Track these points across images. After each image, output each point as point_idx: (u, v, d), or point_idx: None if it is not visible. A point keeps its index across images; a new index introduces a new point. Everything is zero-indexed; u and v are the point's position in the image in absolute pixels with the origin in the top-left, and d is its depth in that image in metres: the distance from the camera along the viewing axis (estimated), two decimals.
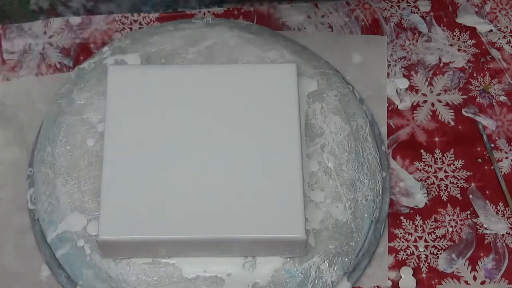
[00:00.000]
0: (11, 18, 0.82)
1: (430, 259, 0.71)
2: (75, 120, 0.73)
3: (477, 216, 0.73)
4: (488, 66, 0.80)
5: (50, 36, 0.81)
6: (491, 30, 0.82)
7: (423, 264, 0.71)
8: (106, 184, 0.65)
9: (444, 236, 0.72)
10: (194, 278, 0.67)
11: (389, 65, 0.80)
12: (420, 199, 0.73)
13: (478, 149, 0.76)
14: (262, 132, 0.68)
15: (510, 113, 0.78)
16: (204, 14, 0.82)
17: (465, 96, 0.79)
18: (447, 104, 0.78)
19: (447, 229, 0.72)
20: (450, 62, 0.80)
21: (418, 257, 0.71)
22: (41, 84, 0.78)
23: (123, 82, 0.70)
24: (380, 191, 0.71)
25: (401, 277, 0.70)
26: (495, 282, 0.70)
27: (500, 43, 0.81)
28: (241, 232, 0.64)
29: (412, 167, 0.75)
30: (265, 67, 0.72)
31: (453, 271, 0.70)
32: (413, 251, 0.71)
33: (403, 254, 0.71)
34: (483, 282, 0.70)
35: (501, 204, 0.73)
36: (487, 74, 0.80)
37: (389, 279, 0.70)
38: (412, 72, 0.80)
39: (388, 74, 0.79)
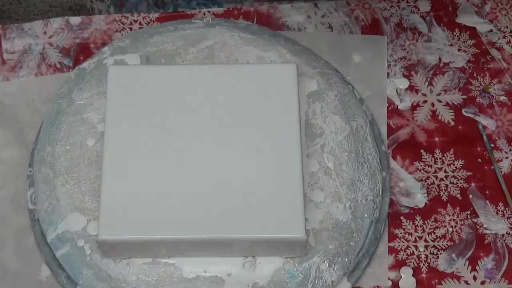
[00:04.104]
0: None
1: (430, 259, 0.71)
2: (75, 120, 0.73)
3: (477, 216, 0.73)
4: (488, 66, 0.80)
5: (50, 36, 0.81)
6: (491, 30, 0.82)
7: (423, 264, 0.71)
8: (106, 184, 0.65)
9: (444, 236, 0.72)
10: (194, 278, 0.67)
11: (389, 65, 0.80)
12: (420, 199, 0.73)
13: (478, 149, 0.76)
14: (262, 132, 0.68)
15: (510, 113, 0.78)
16: (204, 14, 0.82)
17: (465, 96, 0.79)
18: (447, 104, 0.78)
19: (447, 229, 0.72)
20: (450, 62, 0.80)
21: (418, 257, 0.71)
22: (41, 84, 0.78)
23: (123, 82, 0.70)
24: (380, 191, 0.71)
25: (401, 277, 0.70)
26: (495, 282, 0.70)
27: (500, 43, 0.81)
28: (241, 232, 0.64)
29: (412, 167, 0.75)
30: (265, 67, 0.72)
31: (453, 271, 0.70)
32: (413, 251, 0.71)
33: (403, 254, 0.71)
34: (483, 282, 0.70)
35: (501, 204, 0.73)
36: (487, 74, 0.80)
37: (389, 279, 0.70)
38: (412, 72, 0.80)
39: (388, 74, 0.79)
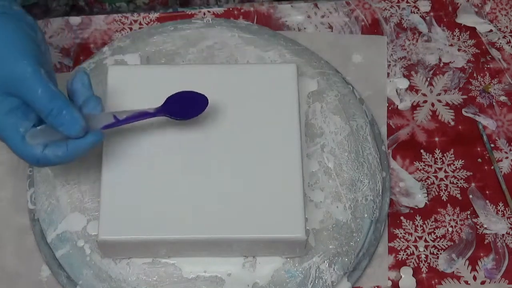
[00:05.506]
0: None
1: (430, 259, 0.71)
2: None
3: (477, 216, 0.73)
4: (488, 66, 0.80)
5: (50, 36, 0.81)
6: (491, 30, 0.82)
7: (423, 264, 0.71)
8: (106, 184, 0.65)
9: (444, 236, 0.72)
10: (194, 278, 0.67)
11: (389, 65, 0.80)
12: (420, 199, 0.73)
13: (478, 149, 0.76)
14: (262, 132, 0.68)
15: (510, 113, 0.78)
16: (204, 14, 0.82)
17: (465, 96, 0.79)
18: (447, 104, 0.78)
19: (447, 229, 0.72)
20: (450, 62, 0.80)
21: (418, 257, 0.71)
22: None
23: (123, 82, 0.70)
24: (380, 191, 0.71)
25: (401, 277, 0.70)
26: (495, 282, 0.70)
27: (500, 43, 0.81)
28: (241, 232, 0.64)
29: (412, 167, 0.75)
30: (265, 67, 0.72)
31: (453, 271, 0.70)
32: (413, 251, 0.71)
33: (403, 254, 0.71)
34: (483, 282, 0.70)
35: (501, 204, 0.73)
36: (487, 74, 0.80)
37: (389, 279, 0.70)
38: (412, 72, 0.80)
39: (388, 74, 0.79)
